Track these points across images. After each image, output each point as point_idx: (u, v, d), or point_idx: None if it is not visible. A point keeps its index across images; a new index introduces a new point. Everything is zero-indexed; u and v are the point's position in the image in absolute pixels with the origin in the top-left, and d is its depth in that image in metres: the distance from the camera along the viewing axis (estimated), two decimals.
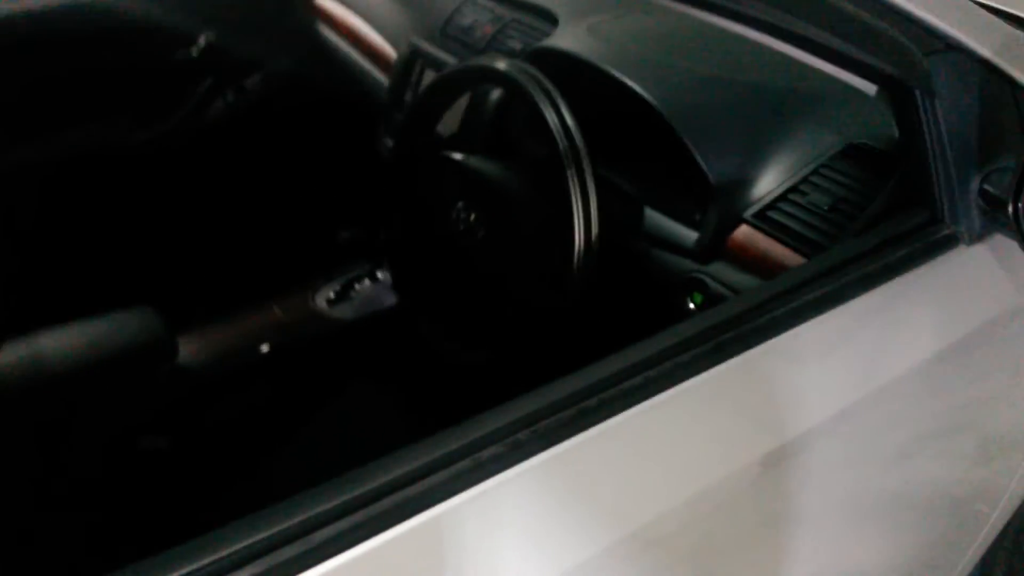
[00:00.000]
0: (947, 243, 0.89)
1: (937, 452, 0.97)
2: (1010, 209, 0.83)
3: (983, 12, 0.88)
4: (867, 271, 0.82)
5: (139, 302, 1.28)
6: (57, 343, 1.23)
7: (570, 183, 0.96)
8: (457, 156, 1.17)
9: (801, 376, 0.77)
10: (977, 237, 0.90)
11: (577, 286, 0.97)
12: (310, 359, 1.43)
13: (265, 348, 1.39)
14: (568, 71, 1.13)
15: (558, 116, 0.98)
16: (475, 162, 1.14)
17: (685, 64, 1.12)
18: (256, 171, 1.67)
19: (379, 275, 1.57)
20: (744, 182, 1.04)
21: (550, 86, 1.00)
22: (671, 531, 0.70)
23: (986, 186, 0.88)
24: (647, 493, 0.68)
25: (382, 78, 1.63)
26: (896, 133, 0.97)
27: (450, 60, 1.43)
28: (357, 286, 1.55)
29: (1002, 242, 0.91)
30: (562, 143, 0.97)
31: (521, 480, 0.63)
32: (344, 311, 1.51)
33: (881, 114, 1.02)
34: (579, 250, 0.96)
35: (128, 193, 1.56)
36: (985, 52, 0.86)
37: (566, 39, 1.23)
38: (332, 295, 1.54)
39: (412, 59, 1.50)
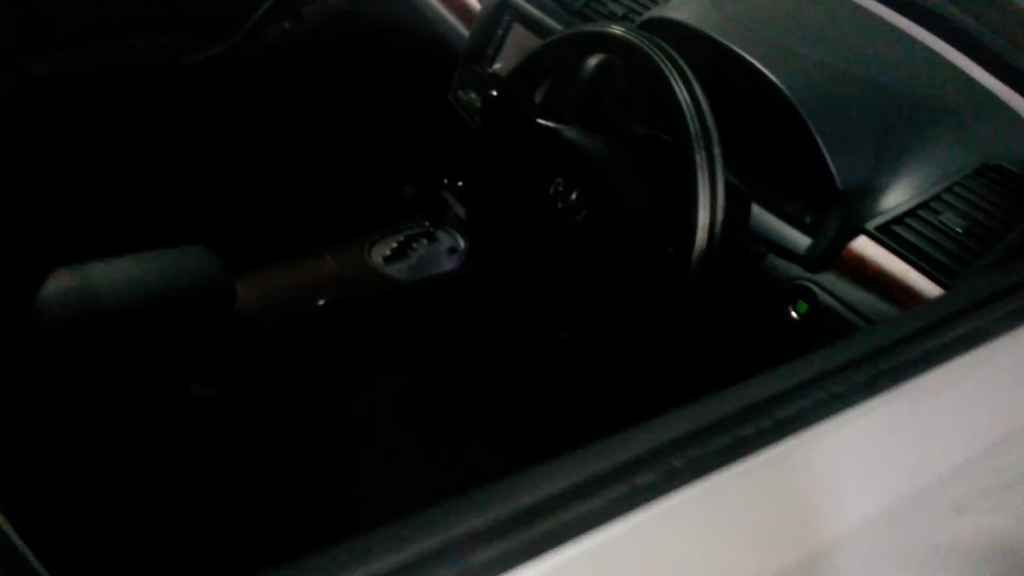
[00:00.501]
0: None
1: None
2: None
3: None
4: (1014, 307, 0.78)
5: (191, 240, 1.22)
6: (109, 275, 1.17)
7: (698, 168, 0.90)
8: (558, 127, 1.10)
9: (953, 413, 0.73)
10: None
11: (694, 278, 0.91)
12: (366, 317, 1.37)
13: (321, 302, 1.34)
14: (685, 46, 1.05)
15: (691, 96, 0.91)
16: (577, 136, 1.07)
17: (817, 53, 1.05)
18: (316, 110, 1.58)
19: (439, 235, 1.50)
20: (871, 190, 0.98)
21: (683, 63, 0.93)
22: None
23: None
24: (806, 528, 0.65)
25: (458, 25, 1.55)
26: None
27: (543, 18, 1.35)
28: (415, 245, 1.49)
29: None
30: (693, 125, 0.90)
31: (677, 510, 0.59)
32: (400, 270, 1.45)
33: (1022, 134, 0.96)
34: (701, 241, 0.90)
35: (181, 122, 1.48)
36: None
37: (685, 10, 1.15)
38: (388, 252, 1.48)
39: (499, 12, 1.41)
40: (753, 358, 1.11)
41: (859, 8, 1.12)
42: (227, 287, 1.19)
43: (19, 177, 1.33)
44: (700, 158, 0.90)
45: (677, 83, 0.92)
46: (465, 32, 1.52)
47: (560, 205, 1.05)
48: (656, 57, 0.94)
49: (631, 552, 0.57)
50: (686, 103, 0.91)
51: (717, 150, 0.90)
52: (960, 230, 0.92)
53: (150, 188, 1.45)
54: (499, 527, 0.54)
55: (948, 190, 0.95)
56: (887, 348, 0.72)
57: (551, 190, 1.07)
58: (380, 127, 1.62)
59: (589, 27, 1.07)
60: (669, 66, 0.93)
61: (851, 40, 1.09)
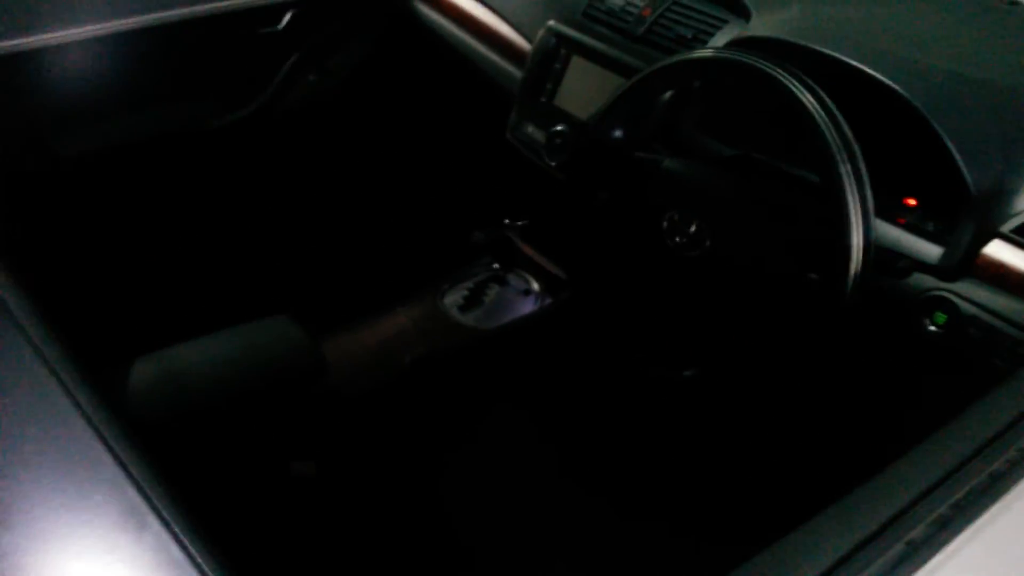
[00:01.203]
0: None
1: None
2: None
3: None
4: None
5: (264, 311, 1.16)
6: (195, 359, 1.10)
7: (847, 187, 0.86)
8: (658, 158, 1.06)
9: None
10: None
11: (849, 302, 0.88)
12: (455, 370, 1.32)
13: (408, 360, 1.28)
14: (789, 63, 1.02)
15: (827, 113, 0.88)
16: (682, 165, 1.04)
17: (929, 56, 1.02)
18: (362, 163, 1.54)
19: (508, 278, 1.46)
20: (1004, 192, 0.95)
21: (810, 81, 0.90)
22: None
23: None
24: None
25: (501, 63, 1.51)
26: None
27: (606, 48, 1.32)
28: (487, 291, 1.44)
29: None
30: (835, 143, 0.87)
31: (956, 561, 0.55)
32: (477, 317, 1.40)
33: None
34: (856, 263, 0.87)
35: (225, 188, 1.42)
36: None
37: (777, 27, 1.12)
38: (461, 300, 1.43)
39: (556, 46, 1.38)
40: (896, 377, 1.07)
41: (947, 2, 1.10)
42: (319, 358, 1.13)
43: (83, 265, 1.26)
44: (846, 174, 0.87)
45: (810, 101, 0.89)
46: (512, 69, 1.48)
47: (679, 239, 1.01)
48: (783, 78, 0.91)
49: None
50: (824, 121, 0.88)
51: (863, 165, 0.87)
52: None
53: (210, 261, 1.39)
54: None
55: None
56: None
57: (665, 224, 1.03)
58: (434, 174, 1.58)
59: (698, 54, 1.03)
60: (798, 85, 0.90)
61: (956, 39, 1.07)
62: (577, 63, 1.36)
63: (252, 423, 1.09)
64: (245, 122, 1.61)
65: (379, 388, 1.26)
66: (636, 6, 1.33)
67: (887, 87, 0.97)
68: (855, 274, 0.87)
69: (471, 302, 1.42)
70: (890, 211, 1.03)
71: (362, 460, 1.19)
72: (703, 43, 1.22)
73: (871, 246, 0.88)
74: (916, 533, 0.55)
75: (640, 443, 1.22)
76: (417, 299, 1.41)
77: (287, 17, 1.65)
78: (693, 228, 1.00)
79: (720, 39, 1.20)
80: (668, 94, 1.19)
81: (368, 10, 1.73)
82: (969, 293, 0.96)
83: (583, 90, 1.33)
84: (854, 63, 1.00)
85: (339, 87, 1.73)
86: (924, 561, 0.54)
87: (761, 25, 1.15)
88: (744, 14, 1.20)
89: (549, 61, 1.39)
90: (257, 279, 1.39)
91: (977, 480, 0.59)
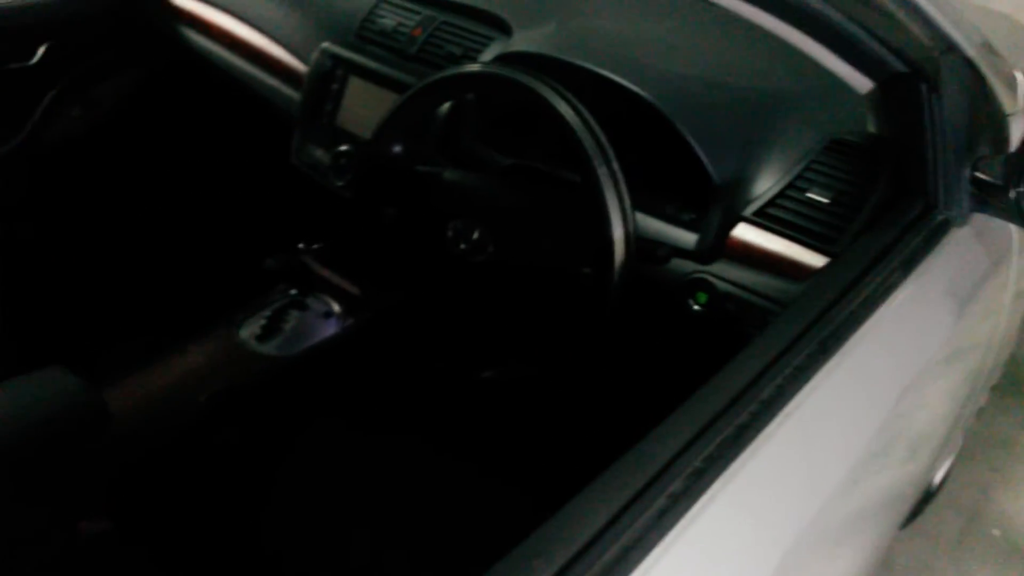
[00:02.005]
0: (944, 228, 0.97)
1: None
2: (1012, 194, 0.92)
3: (963, 14, 0.97)
4: (891, 268, 0.88)
5: (40, 361, 1.08)
6: None
7: (604, 184, 0.93)
8: (439, 170, 1.09)
9: (889, 353, 0.83)
10: (963, 220, 0.99)
11: (619, 291, 0.95)
12: (257, 404, 1.28)
13: (202, 397, 1.23)
14: (549, 77, 1.09)
15: (580, 117, 0.95)
16: (462, 176, 1.08)
17: (673, 64, 1.13)
18: (143, 196, 1.46)
19: (308, 303, 1.43)
20: (743, 181, 1.07)
21: (563, 89, 0.97)
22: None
23: (977, 174, 0.97)
24: (810, 488, 0.70)
25: (277, 85, 1.49)
26: (868, 126, 1.05)
27: (380, 67, 1.34)
28: (286, 317, 1.41)
29: (980, 220, 1.02)
30: (590, 144, 0.94)
31: (713, 507, 0.62)
32: (277, 346, 1.37)
33: (852, 109, 1.09)
34: (619, 254, 0.94)
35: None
36: (971, 53, 0.94)
37: (537, 42, 1.19)
38: (259, 329, 1.39)
39: (332, 68, 1.38)
40: (669, 354, 1.17)
41: (696, 8, 1.21)
42: (98, 407, 1.06)
43: None
44: (603, 175, 0.94)
45: (566, 109, 0.95)
46: (290, 92, 1.47)
47: (463, 247, 1.05)
48: (539, 89, 0.97)
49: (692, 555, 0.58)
50: (579, 127, 0.94)
51: (616, 165, 0.94)
52: (827, 201, 1.03)
53: None
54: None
55: (808, 168, 1.06)
56: (820, 317, 0.79)
57: (449, 233, 1.06)
58: (220, 203, 1.53)
59: (462, 69, 1.07)
60: (553, 95, 0.96)
61: (699, 45, 1.18)
62: (355, 83, 1.37)
63: (28, 488, 1.00)
64: (5, 158, 1.48)
65: (174, 431, 1.20)
66: (407, 26, 1.37)
67: (635, 94, 1.06)
68: (620, 264, 0.95)
69: (270, 331, 1.38)
70: (651, 206, 1.12)
71: (162, 507, 1.12)
72: (472, 59, 1.28)
73: (631, 238, 0.96)
74: (676, 486, 0.60)
75: (448, 437, 1.25)
76: (211, 334, 1.35)
77: (41, 51, 1.54)
78: (476, 235, 1.04)
79: (487, 55, 1.26)
80: (445, 109, 1.23)
81: (133, 40, 1.64)
82: (724, 273, 1.07)
83: (363, 109, 1.35)
84: (605, 73, 1.09)
85: (109, 120, 1.63)
86: (684, 511, 0.59)
87: (522, 40, 1.22)
88: (507, 31, 1.27)
89: (326, 82, 1.39)
90: (29, 328, 1.29)
91: (726, 433, 0.65)
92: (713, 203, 1.07)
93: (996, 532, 1.81)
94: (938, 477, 1.71)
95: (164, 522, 1.11)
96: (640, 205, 1.13)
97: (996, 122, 1.08)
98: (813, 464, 0.72)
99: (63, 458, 1.03)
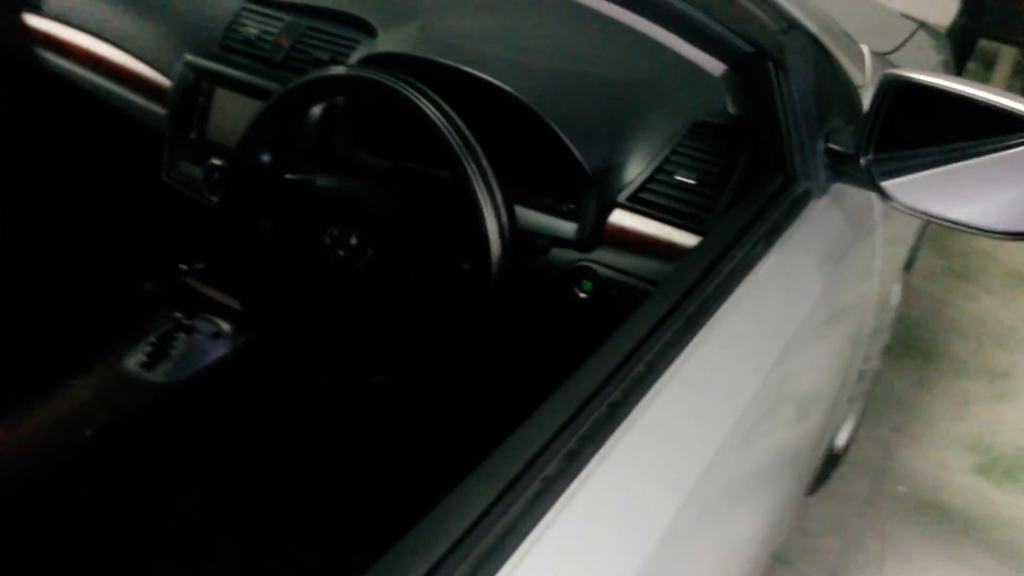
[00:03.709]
0: (804, 200, 1.02)
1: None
2: (862, 162, 0.96)
3: None
4: (754, 241, 0.91)
5: None
6: None
7: (474, 181, 0.93)
8: (310, 178, 1.08)
9: (755, 321, 0.86)
10: (822, 190, 1.04)
11: (497, 286, 0.95)
12: (147, 436, 1.23)
13: (88, 433, 1.17)
14: (413, 76, 1.09)
15: (446, 116, 0.95)
16: (335, 182, 1.06)
17: (533, 59, 1.14)
18: (11, 225, 1.39)
19: (195, 324, 1.39)
20: (614, 168, 1.09)
21: (427, 89, 0.97)
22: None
23: (830, 145, 1.01)
24: (690, 456, 0.71)
25: (142, 102, 1.44)
26: (728, 107, 1.08)
27: (244, 76, 1.31)
28: (173, 342, 1.36)
29: (839, 190, 1.06)
30: (457, 143, 0.94)
31: (587, 487, 0.62)
32: (166, 372, 1.32)
33: (711, 90, 1.12)
34: (495, 248, 0.94)
35: None
36: (814, 29, 0.99)
37: (401, 43, 1.18)
38: (144, 357, 1.33)
39: (196, 81, 1.34)
40: (555, 347, 1.18)
41: (555, 4, 1.22)
42: None
43: None
44: (472, 171, 0.94)
45: (430, 108, 0.95)
46: (156, 108, 1.42)
47: (342, 253, 1.04)
48: (402, 89, 0.96)
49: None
50: (444, 125, 0.94)
51: (485, 161, 0.95)
52: (694, 182, 1.06)
53: None
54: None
55: (674, 152, 1.08)
56: (688, 293, 0.81)
57: (327, 240, 1.05)
58: (93, 227, 1.46)
59: (321, 73, 1.06)
60: (416, 94, 0.96)
61: (561, 40, 1.19)
62: (221, 94, 1.33)
63: None
64: None
65: (57, 470, 1.14)
66: (271, 34, 1.34)
67: (500, 89, 1.07)
68: (497, 258, 0.95)
69: (156, 357, 1.33)
70: (530, 199, 1.13)
71: (52, 553, 1.07)
72: (340, 63, 1.26)
73: (506, 231, 0.96)
74: (550, 469, 0.61)
75: (344, 444, 1.23)
76: (94, 366, 1.29)
77: None
78: (354, 240, 1.03)
79: (355, 58, 1.24)
80: (317, 114, 1.21)
81: None
82: (605, 259, 1.09)
83: (232, 121, 1.31)
84: (469, 70, 1.09)
85: None
86: (559, 493, 0.60)
87: (387, 42, 1.21)
88: (371, 32, 1.26)
89: (192, 95, 1.35)
90: None
91: (598, 412, 0.66)
92: (587, 191, 1.08)
93: (903, 488, 1.90)
94: (841, 441, 1.78)
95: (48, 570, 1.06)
96: (518, 199, 1.14)
97: (846, 95, 1.13)
98: (689, 434, 0.74)
99: None
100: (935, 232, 2.29)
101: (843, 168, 1.00)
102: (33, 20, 1.52)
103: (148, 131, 1.41)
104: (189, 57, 1.35)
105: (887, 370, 2.07)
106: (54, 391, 1.22)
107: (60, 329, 1.34)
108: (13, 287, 1.37)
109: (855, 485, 1.87)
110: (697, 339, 0.77)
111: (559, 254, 1.10)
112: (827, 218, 1.04)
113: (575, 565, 0.57)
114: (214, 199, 1.30)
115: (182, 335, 1.38)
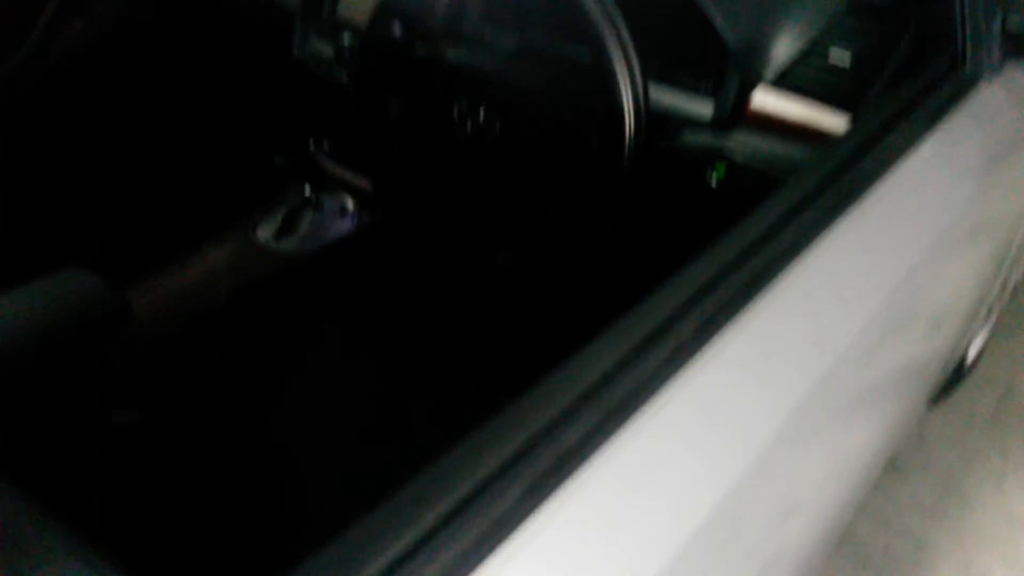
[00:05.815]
0: (971, 83, 0.93)
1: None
2: None
3: None
4: (911, 125, 0.84)
5: (62, 264, 1.09)
6: None
7: (612, 52, 0.89)
8: (441, 52, 1.06)
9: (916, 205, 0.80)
10: (995, 73, 0.95)
11: (631, 165, 0.92)
12: (275, 299, 1.28)
13: (223, 292, 1.24)
14: None
15: None
16: (467, 55, 1.04)
17: None
18: (154, 103, 1.44)
19: (323, 200, 1.42)
20: (760, 46, 1.02)
21: None
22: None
23: (1008, 24, 0.92)
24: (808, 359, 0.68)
25: None
26: None
27: None
28: (302, 216, 1.40)
29: (1012, 76, 0.97)
30: (597, 12, 0.89)
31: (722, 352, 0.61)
32: (293, 244, 1.37)
33: None
34: (630, 124, 0.91)
35: (15, 143, 1.30)
36: None
37: None
38: (275, 228, 1.38)
39: None
40: (685, 232, 1.15)
41: None
42: (119, 306, 1.07)
43: None
44: (614, 48, 0.90)
45: None
46: None
47: (470, 128, 1.03)
48: None
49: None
50: (591, 4, 0.90)
51: (627, 35, 0.90)
52: (848, 65, 0.98)
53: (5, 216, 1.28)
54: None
55: (828, 31, 1.01)
56: (842, 167, 0.76)
57: (455, 114, 1.04)
58: (227, 105, 1.50)
59: None
60: None
61: None
62: None
63: (55, 380, 1.02)
64: (15, 72, 1.47)
65: (196, 325, 1.21)
66: None
67: None
68: (632, 133, 0.92)
69: (286, 230, 1.38)
70: (666, 75, 1.08)
71: (191, 402, 1.15)
72: None
73: (642, 107, 0.92)
74: (685, 333, 0.59)
75: (470, 322, 1.23)
76: (228, 235, 1.35)
77: None
78: (482, 114, 1.02)
79: None
80: None
81: None
82: (742, 143, 1.03)
83: None
84: None
85: (112, 29, 1.60)
86: (690, 356, 0.59)
87: None
88: None
89: None
90: (52, 236, 1.29)
91: (737, 282, 0.64)
92: (730, 70, 1.02)
93: None
94: (972, 354, 1.69)
95: (186, 415, 1.13)
96: (653, 75, 1.09)
97: None
98: (821, 321, 0.70)
99: (88, 352, 1.05)
100: None
101: (1019, 49, 0.91)
102: None
103: (282, 10, 1.42)
104: None
105: None
106: (193, 257, 1.29)
107: (198, 201, 1.40)
108: (153, 160, 1.44)
109: (981, 400, 1.78)
110: (828, 238, 0.72)
111: (693, 136, 1.06)
112: (994, 105, 0.96)
113: (687, 452, 0.56)
114: (344, 77, 1.31)
115: (310, 210, 1.43)
